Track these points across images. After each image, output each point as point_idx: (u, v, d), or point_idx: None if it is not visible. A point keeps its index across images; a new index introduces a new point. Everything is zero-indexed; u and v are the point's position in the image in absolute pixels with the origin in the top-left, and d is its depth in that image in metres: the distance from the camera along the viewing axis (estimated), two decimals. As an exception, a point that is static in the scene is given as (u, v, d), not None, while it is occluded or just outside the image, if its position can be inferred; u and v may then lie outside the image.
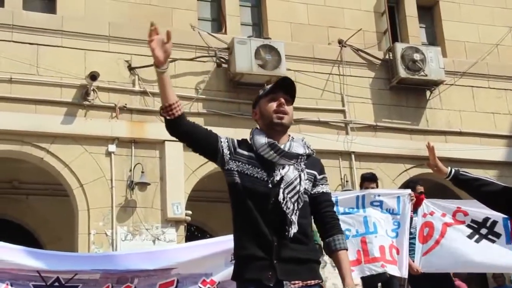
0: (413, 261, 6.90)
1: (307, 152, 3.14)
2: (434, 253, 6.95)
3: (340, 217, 6.80)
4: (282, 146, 3.05)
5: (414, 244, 7.01)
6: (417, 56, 11.91)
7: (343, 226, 6.84)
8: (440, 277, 7.10)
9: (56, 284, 5.31)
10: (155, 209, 10.33)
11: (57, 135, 10.11)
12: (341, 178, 11.47)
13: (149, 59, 10.77)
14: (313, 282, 2.96)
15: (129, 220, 10.15)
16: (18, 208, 13.02)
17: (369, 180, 7.40)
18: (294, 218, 2.96)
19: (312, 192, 3.10)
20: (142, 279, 5.47)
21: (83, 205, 10.02)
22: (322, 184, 3.15)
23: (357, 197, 7.01)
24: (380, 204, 6.98)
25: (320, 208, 3.12)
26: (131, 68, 10.75)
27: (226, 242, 6.02)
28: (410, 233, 6.95)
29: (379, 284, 7.27)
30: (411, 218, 7.01)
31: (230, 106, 11.20)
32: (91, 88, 10.29)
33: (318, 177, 3.14)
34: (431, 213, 7.08)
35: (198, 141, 3.10)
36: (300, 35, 12.11)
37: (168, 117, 3.01)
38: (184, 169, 10.44)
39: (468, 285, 10.73)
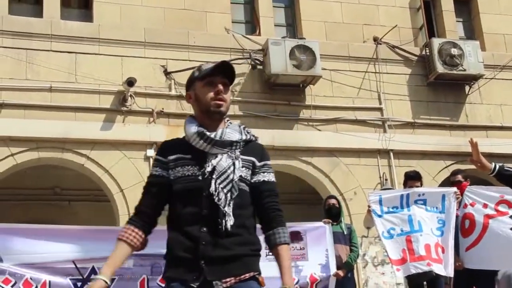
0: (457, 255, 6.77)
1: (244, 138, 2.91)
2: (477, 249, 6.72)
3: (384, 216, 6.81)
4: (213, 135, 2.85)
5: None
6: (454, 51, 11.72)
7: (387, 225, 6.84)
8: (482, 275, 6.89)
9: (93, 277, 5.40)
10: (195, 212, 10.37)
11: (96, 141, 10.26)
12: (380, 177, 11.36)
13: (184, 63, 10.96)
14: (247, 275, 2.77)
15: (169, 224, 10.22)
16: (60, 214, 13.23)
17: (413, 178, 7.27)
18: (228, 209, 2.76)
19: (252, 181, 2.88)
20: None
21: (123, 210, 10.13)
22: (263, 172, 2.91)
23: (401, 196, 6.93)
24: (424, 203, 6.88)
25: (260, 199, 2.89)
26: (167, 73, 10.85)
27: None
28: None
29: (425, 283, 7.18)
30: (456, 217, 6.87)
31: (266, 107, 11.20)
32: (129, 94, 10.41)
33: (258, 164, 2.91)
34: (472, 204, 6.82)
35: (163, 201, 2.93)
36: (335, 33, 12.04)
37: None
38: (222, 171, 10.45)
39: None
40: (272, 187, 2.93)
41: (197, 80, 2.94)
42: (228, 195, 2.78)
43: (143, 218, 2.88)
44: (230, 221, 2.75)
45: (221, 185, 2.79)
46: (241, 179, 2.84)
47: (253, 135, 2.97)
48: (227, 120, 2.97)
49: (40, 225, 5.76)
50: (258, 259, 2.87)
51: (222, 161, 2.83)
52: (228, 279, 2.73)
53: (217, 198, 2.77)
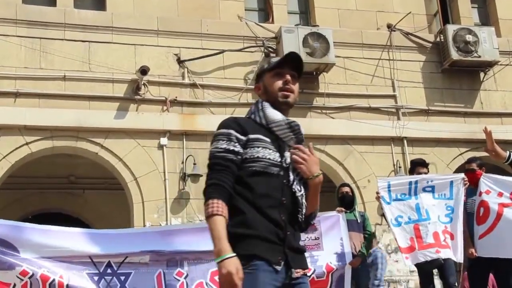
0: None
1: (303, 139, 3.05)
2: (490, 237, 6.65)
3: (392, 203, 6.78)
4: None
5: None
6: (469, 37, 11.61)
7: (395, 213, 6.82)
8: (498, 263, 6.80)
9: (109, 271, 5.43)
10: (208, 200, 10.39)
11: (110, 130, 10.30)
12: (394, 164, 11.32)
13: (197, 52, 10.96)
14: (307, 271, 2.91)
15: (183, 212, 10.27)
16: (75, 202, 13.36)
17: (421, 165, 7.28)
18: (304, 202, 2.86)
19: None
20: (192, 263, 5.51)
21: (137, 198, 10.19)
22: None
23: (410, 183, 6.90)
24: (432, 189, 6.86)
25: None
26: (180, 61, 10.85)
27: None
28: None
29: (435, 271, 7.16)
30: (464, 203, 6.83)
31: (280, 95, 11.16)
32: (142, 83, 10.43)
33: None
34: (487, 192, 6.75)
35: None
36: (348, 21, 11.97)
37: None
38: (236, 159, 10.47)
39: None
40: None
41: (266, 72, 3.02)
42: (302, 187, 2.87)
43: (226, 195, 2.74)
44: (302, 215, 2.86)
45: (298, 177, 2.87)
46: None
47: None
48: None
49: (55, 226, 5.79)
50: None
51: None
52: (299, 270, 2.82)
53: (296, 189, 2.85)
